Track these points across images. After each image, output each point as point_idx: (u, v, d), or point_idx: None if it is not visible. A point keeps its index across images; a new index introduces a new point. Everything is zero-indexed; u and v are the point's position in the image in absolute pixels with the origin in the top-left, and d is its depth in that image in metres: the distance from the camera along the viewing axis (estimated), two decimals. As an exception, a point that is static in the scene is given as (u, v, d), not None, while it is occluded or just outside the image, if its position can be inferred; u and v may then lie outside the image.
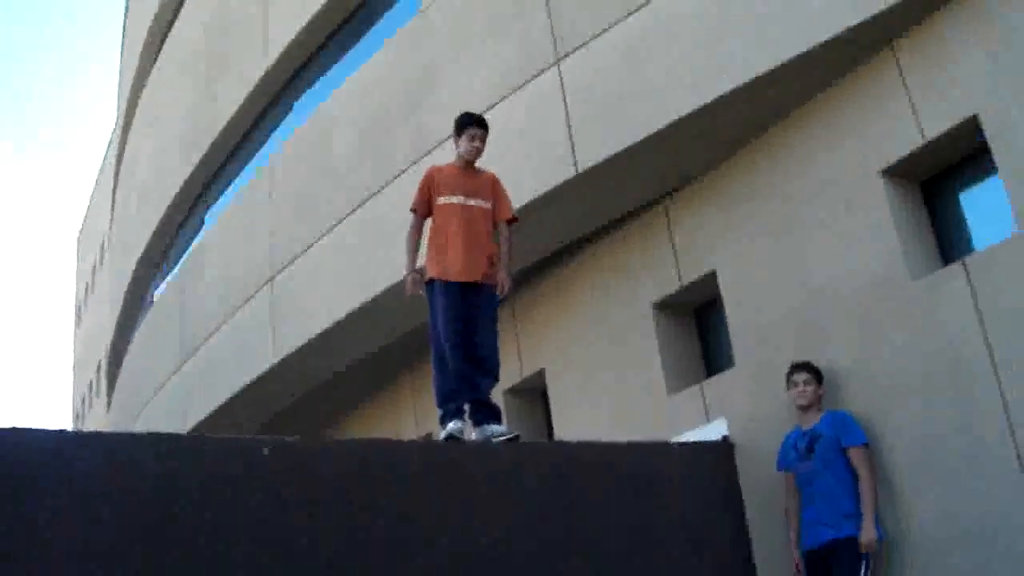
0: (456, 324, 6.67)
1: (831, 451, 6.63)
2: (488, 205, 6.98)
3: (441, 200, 6.91)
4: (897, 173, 7.00)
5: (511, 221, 7.08)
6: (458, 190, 6.92)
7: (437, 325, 6.77)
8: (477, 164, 7.13)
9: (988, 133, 6.41)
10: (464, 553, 5.89)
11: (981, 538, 6.09)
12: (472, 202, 6.92)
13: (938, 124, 6.67)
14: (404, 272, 6.92)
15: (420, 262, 6.94)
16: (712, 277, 8.15)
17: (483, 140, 7.02)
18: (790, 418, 7.06)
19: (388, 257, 9.44)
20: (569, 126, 8.33)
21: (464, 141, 6.99)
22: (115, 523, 4.95)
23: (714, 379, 8.07)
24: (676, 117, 7.57)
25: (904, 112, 6.84)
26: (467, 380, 6.70)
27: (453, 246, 6.78)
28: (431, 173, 7.04)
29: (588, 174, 8.18)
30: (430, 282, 6.83)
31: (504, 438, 6.53)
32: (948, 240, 7.02)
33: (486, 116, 8.72)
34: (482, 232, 6.91)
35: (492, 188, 7.06)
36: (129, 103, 21.91)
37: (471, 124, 7.02)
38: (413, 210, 7.03)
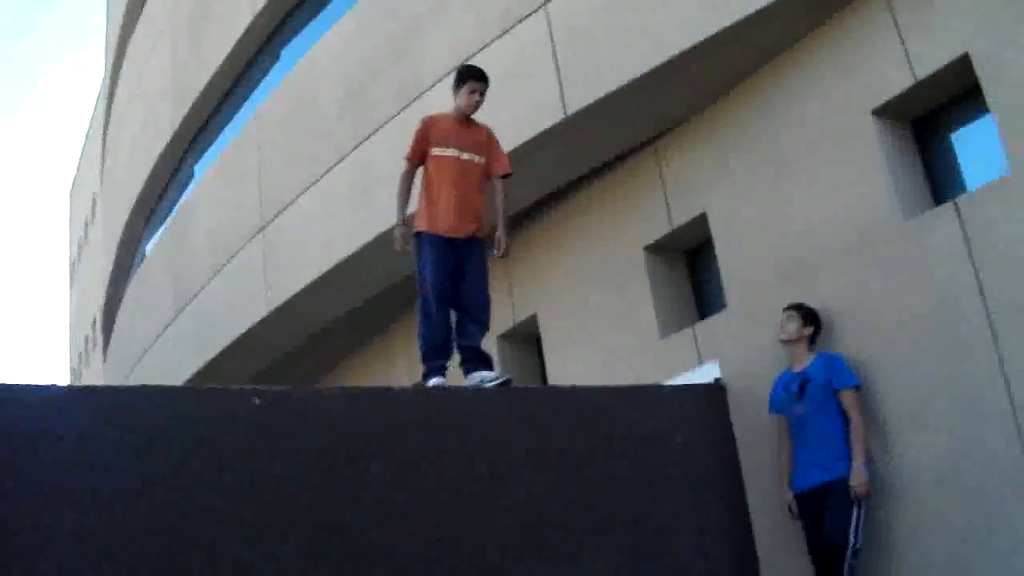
0: (442, 277, 6.66)
1: (822, 393, 6.63)
2: (481, 160, 6.93)
3: (435, 151, 6.85)
4: (888, 113, 6.95)
5: (506, 176, 7.01)
6: (453, 143, 6.86)
7: (424, 277, 6.73)
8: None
9: (980, 72, 6.34)
10: (458, 500, 5.90)
11: (972, 482, 6.10)
12: (466, 156, 6.86)
13: (929, 63, 6.60)
14: (394, 223, 6.87)
15: (410, 210, 6.89)
16: (703, 219, 8.12)
17: (483, 94, 6.94)
18: (782, 360, 7.06)
19: (377, 205, 9.41)
20: (558, 69, 8.27)
21: (464, 93, 6.92)
22: (112, 476, 4.96)
23: (706, 322, 8.06)
24: (666, 58, 7.49)
25: (895, 51, 6.78)
26: (455, 329, 6.71)
27: (445, 199, 6.75)
28: (427, 123, 6.96)
29: (577, 117, 8.12)
30: (418, 234, 6.78)
31: (496, 383, 6.53)
32: (939, 180, 6.98)
33: (473, 62, 8.70)
34: (473, 187, 6.88)
35: (488, 143, 7.01)
36: (116, 55, 21.74)
37: (472, 77, 6.94)
38: (407, 159, 6.93)
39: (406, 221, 6.80)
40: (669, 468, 6.96)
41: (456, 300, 6.74)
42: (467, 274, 6.77)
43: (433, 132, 6.88)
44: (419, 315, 6.80)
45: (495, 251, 6.88)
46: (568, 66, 8.23)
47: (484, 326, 6.80)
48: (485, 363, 6.73)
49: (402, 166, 6.96)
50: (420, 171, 6.98)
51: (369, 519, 5.57)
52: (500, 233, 6.88)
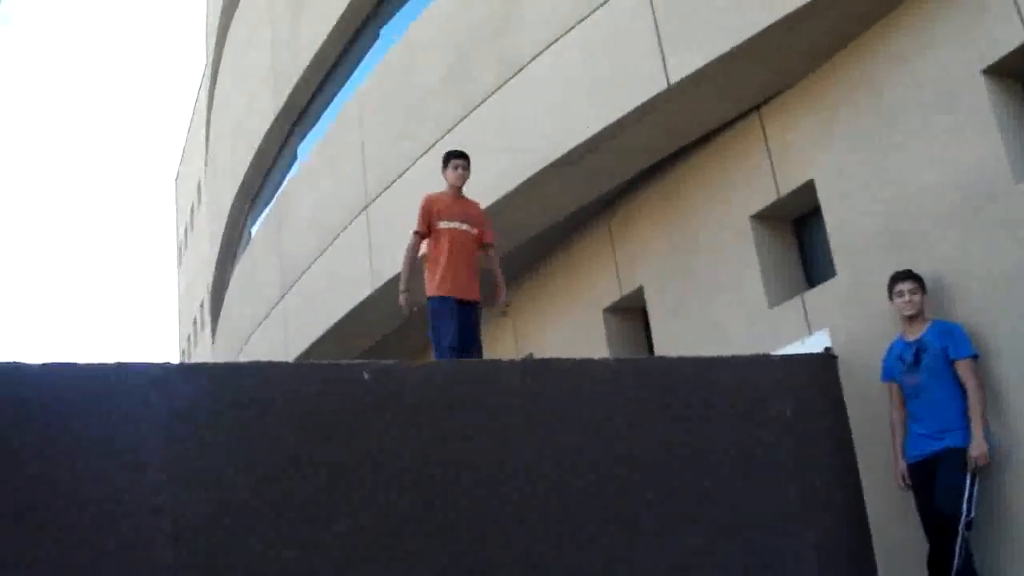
0: (456, 341, 7.44)
1: (938, 363, 6.48)
2: (476, 231, 7.91)
3: (442, 224, 7.79)
4: (1000, 71, 6.74)
5: (491, 245, 8.05)
6: (455, 216, 7.83)
7: (440, 343, 7.51)
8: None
9: (1097, 26, 6.15)
10: (561, 470, 5.91)
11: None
12: (465, 227, 7.86)
13: (1044, 18, 6.40)
14: (400, 290, 7.76)
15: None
16: (810, 187, 7.98)
17: (466, 169, 7.99)
18: (893, 328, 6.91)
19: (480, 180, 9.43)
20: (659, 38, 8.17)
21: (450, 171, 7.98)
22: (220, 449, 5.05)
23: (815, 290, 7.93)
24: (769, 23, 7.34)
25: (1006, 7, 6.56)
26: None
27: (453, 266, 7.66)
28: (431, 199, 7.91)
29: (680, 86, 8.02)
30: (431, 299, 7.64)
31: None
32: (1053, 140, 6.77)
33: (572, 34, 8.70)
34: (472, 254, 7.85)
35: (479, 215, 8.02)
36: (217, 41, 22.08)
37: (452, 157, 8.02)
38: (415, 232, 7.86)
39: (409, 288, 7.71)
40: (777, 440, 6.89)
41: (461, 353, 7.49)
42: (470, 336, 7.62)
43: (436, 208, 7.84)
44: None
45: (501, 312, 8.07)
46: (669, 35, 8.13)
47: None
48: None
49: (409, 238, 7.85)
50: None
51: (475, 488, 5.60)
52: (502, 297, 7.98)
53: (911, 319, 6.74)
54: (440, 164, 8.12)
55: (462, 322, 7.55)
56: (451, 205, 7.89)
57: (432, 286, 7.67)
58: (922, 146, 7.06)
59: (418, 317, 7.77)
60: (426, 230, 7.84)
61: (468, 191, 8.11)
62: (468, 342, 7.56)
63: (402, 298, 7.70)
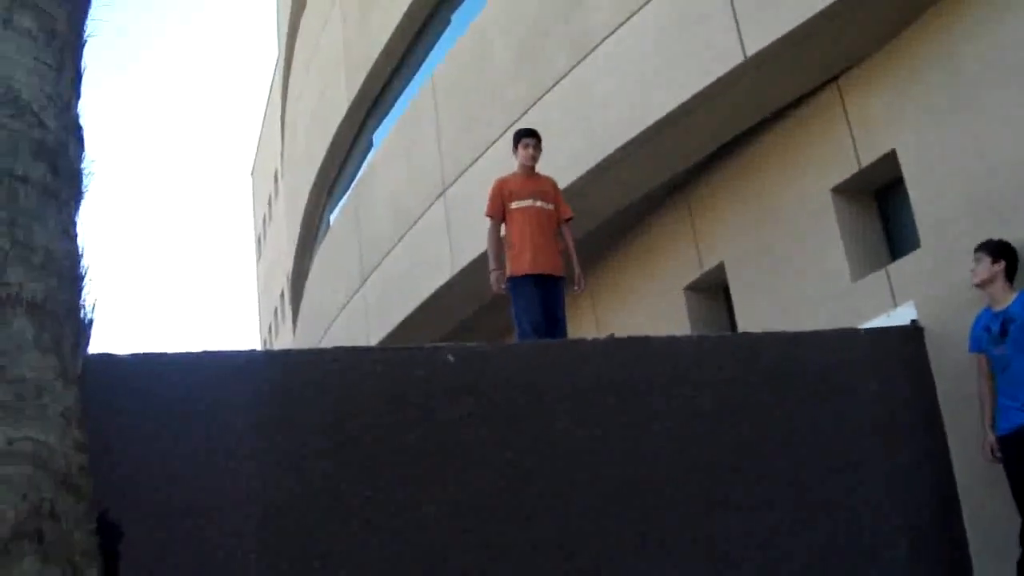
0: (538, 319, 7.47)
1: (1024, 334, 6.35)
2: (552, 207, 7.86)
3: (514, 205, 7.78)
4: (1080, 32, 6.60)
5: (569, 220, 7.98)
6: (527, 195, 7.80)
7: (521, 323, 7.54)
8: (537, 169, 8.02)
9: None
10: (645, 449, 5.89)
11: None
12: (539, 203, 7.80)
13: None
14: (490, 270, 7.76)
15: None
16: (892, 157, 7.86)
17: (537, 147, 7.98)
18: (981, 299, 6.79)
19: (556, 161, 9.42)
20: (734, 11, 8.10)
21: (521, 151, 7.97)
22: (306, 435, 5.11)
23: (899, 262, 7.81)
24: (845, -7, 7.27)
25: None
26: None
27: (530, 243, 7.62)
28: (500, 183, 7.92)
29: (757, 59, 7.94)
30: (511, 279, 7.64)
31: None
32: None
33: (644, 11, 8.65)
34: (550, 230, 7.78)
35: (554, 191, 7.98)
36: (289, 32, 22.28)
37: (523, 136, 8.01)
38: (490, 216, 7.87)
39: (500, 266, 7.71)
40: (864, 414, 6.80)
41: (547, 334, 7.49)
42: (553, 313, 7.58)
43: (507, 189, 7.84)
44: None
45: (576, 288, 7.86)
46: (744, 8, 8.05)
47: None
48: None
49: (485, 223, 7.97)
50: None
51: (555, 471, 5.60)
52: (577, 271, 7.85)
53: (981, 287, 6.64)
54: (512, 146, 8.12)
55: (544, 298, 7.54)
56: (523, 185, 7.86)
57: (511, 266, 7.67)
58: (1003, 114, 6.92)
59: (505, 298, 7.79)
60: (498, 213, 7.84)
61: (545, 173, 8.10)
62: (552, 318, 7.55)
63: (493, 277, 7.70)
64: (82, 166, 4.22)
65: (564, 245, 7.91)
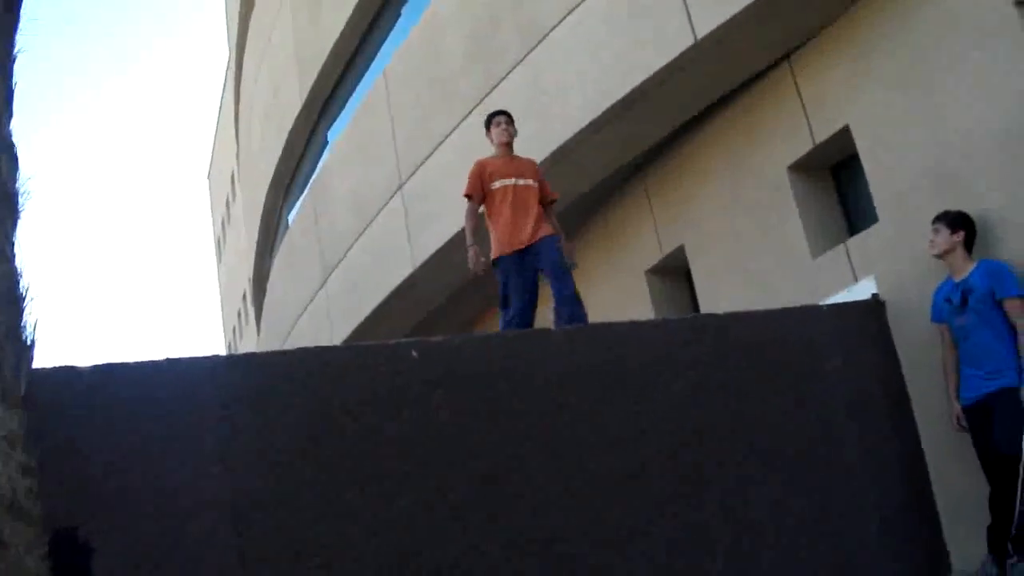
0: (524, 302, 7.37)
1: (985, 303, 6.40)
2: (534, 184, 7.66)
3: (495, 185, 7.58)
4: (1032, 1, 6.63)
5: (552, 202, 7.85)
6: (508, 175, 7.61)
7: (506, 305, 7.42)
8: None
9: None
10: (617, 436, 5.88)
11: None
12: (521, 182, 7.60)
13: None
14: (467, 246, 7.49)
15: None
16: (846, 133, 7.88)
17: (510, 123, 7.82)
18: (940, 271, 6.82)
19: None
20: (683, -6, 8.09)
21: (495, 131, 7.82)
22: (275, 437, 5.07)
23: (858, 237, 7.84)
24: (795, -32, 7.28)
25: (1037, -64, 6.46)
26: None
27: (512, 221, 7.46)
28: (480, 164, 7.72)
29: (707, 41, 7.93)
30: (495, 262, 7.50)
31: None
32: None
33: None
34: (533, 206, 7.54)
35: (535, 172, 7.77)
36: (239, 35, 22.12)
37: (494, 115, 7.89)
38: (468, 196, 7.69)
39: (476, 243, 7.43)
40: (831, 389, 6.83)
41: (532, 317, 7.43)
42: (548, 268, 7.36)
43: (487, 171, 7.65)
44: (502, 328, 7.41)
45: (569, 262, 7.52)
46: (693, -11, 8.04)
47: (570, 321, 7.17)
48: None
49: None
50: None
51: (530, 462, 5.59)
52: (568, 246, 7.67)
53: (947, 258, 6.68)
54: (483, 131, 8.02)
55: (533, 266, 7.39)
56: (504, 165, 7.68)
57: (495, 247, 7.51)
58: (958, 84, 6.95)
59: (477, 283, 7.75)
60: (477, 193, 7.63)
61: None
62: (555, 275, 7.31)
63: (470, 254, 7.43)
64: (17, 186, 4.13)
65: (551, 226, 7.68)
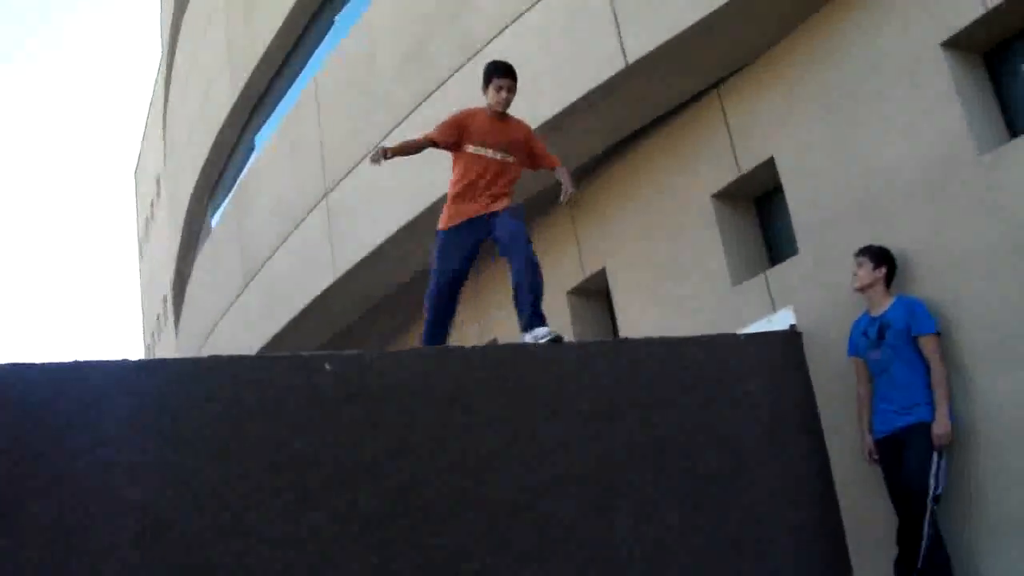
0: (448, 264, 6.70)
1: (901, 339, 6.49)
2: (514, 159, 6.79)
3: (471, 149, 6.70)
4: (959, 45, 6.73)
5: (554, 168, 6.96)
6: (489, 142, 6.70)
7: (434, 272, 6.77)
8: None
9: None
10: (531, 456, 5.85)
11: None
12: (500, 156, 6.71)
13: (1002, -10, 6.39)
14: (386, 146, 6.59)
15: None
16: (771, 164, 7.95)
17: (511, 90, 6.76)
18: (858, 304, 6.91)
19: (437, 167, 9.34)
20: (616, 17, 8.12)
21: (491, 92, 6.77)
22: (186, 446, 4.96)
23: (778, 268, 7.90)
24: (725, 0, 7.31)
25: (966, -20, 6.57)
26: (513, 293, 6.65)
27: (470, 195, 6.69)
28: (466, 114, 6.78)
29: (639, 65, 7.97)
30: (437, 233, 6.79)
31: (547, 339, 6.40)
32: (1014, 113, 6.76)
33: (529, 14, 8.58)
34: (502, 184, 6.74)
35: (525, 141, 6.87)
36: (172, 33, 21.90)
37: (497, 74, 6.78)
38: (430, 137, 6.71)
39: (390, 152, 6.53)
40: (745, 418, 6.87)
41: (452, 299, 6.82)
42: (503, 235, 6.62)
43: (471, 127, 6.71)
44: (426, 302, 6.85)
45: (561, 198, 6.81)
46: (626, 14, 8.08)
47: (532, 288, 6.59)
48: (540, 320, 6.59)
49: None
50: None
51: (442, 478, 5.54)
52: (565, 181, 6.81)
53: (861, 292, 6.77)
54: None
55: (487, 232, 6.65)
56: (490, 128, 6.71)
57: (442, 218, 6.79)
58: (883, 121, 7.04)
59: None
60: (442, 140, 6.68)
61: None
62: (506, 236, 6.57)
63: (378, 150, 6.51)
64: None
65: (564, 191, 6.84)
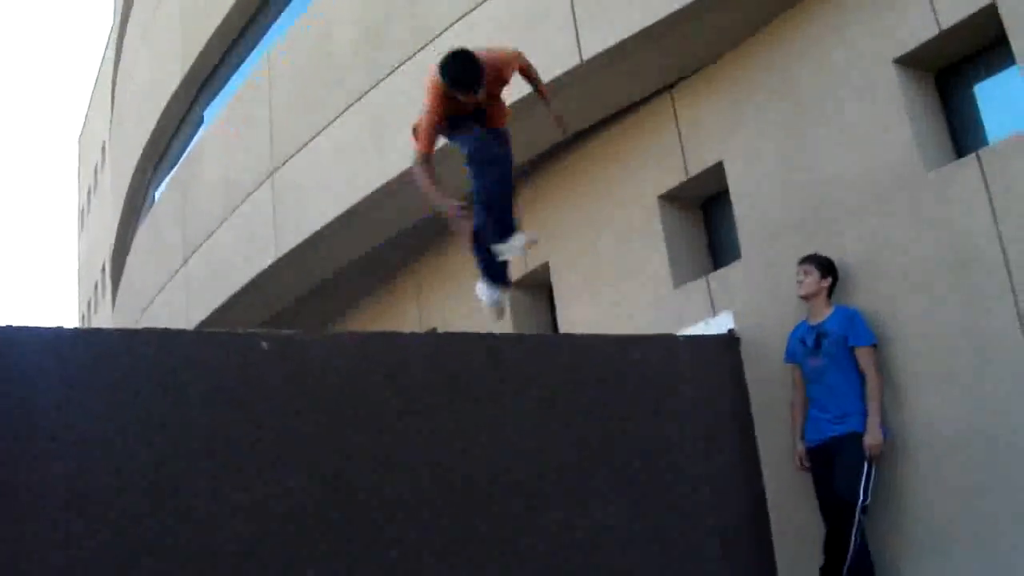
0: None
1: (838, 349, 6.56)
2: (493, 98, 6.43)
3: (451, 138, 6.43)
4: (911, 62, 6.82)
5: (527, 68, 6.63)
6: (464, 111, 6.29)
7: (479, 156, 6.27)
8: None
9: (1006, 23, 6.23)
10: (468, 446, 5.85)
11: (987, 438, 6.03)
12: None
13: (955, 12, 6.46)
14: (444, 207, 6.32)
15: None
16: (719, 169, 8.00)
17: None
18: (797, 312, 6.98)
19: (389, 150, 9.31)
20: (573, 13, 8.12)
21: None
22: (114, 417, 4.90)
23: (720, 272, 7.96)
24: (684, 3, 7.34)
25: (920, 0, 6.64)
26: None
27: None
28: (432, 114, 6.32)
29: (593, 63, 7.98)
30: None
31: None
32: (962, 132, 6.86)
33: (486, 6, 8.58)
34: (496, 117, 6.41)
35: (492, 81, 6.31)
36: (124, 1, 21.60)
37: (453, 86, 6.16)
38: (425, 156, 6.25)
39: (442, 197, 6.28)
40: (681, 418, 6.91)
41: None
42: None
43: (443, 116, 6.27)
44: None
45: (561, 129, 6.71)
46: (583, 10, 8.08)
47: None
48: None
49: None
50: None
51: (377, 465, 5.52)
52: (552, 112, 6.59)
53: (806, 300, 6.84)
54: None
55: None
56: (458, 101, 6.18)
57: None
58: (833, 133, 7.12)
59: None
60: (433, 148, 6.24)
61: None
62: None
63: (448, 211, 6.24)
64: None
65: (540, 95, 6.66)
